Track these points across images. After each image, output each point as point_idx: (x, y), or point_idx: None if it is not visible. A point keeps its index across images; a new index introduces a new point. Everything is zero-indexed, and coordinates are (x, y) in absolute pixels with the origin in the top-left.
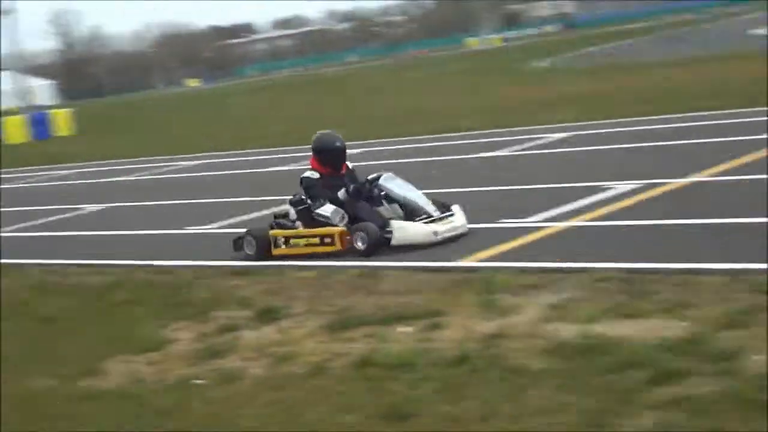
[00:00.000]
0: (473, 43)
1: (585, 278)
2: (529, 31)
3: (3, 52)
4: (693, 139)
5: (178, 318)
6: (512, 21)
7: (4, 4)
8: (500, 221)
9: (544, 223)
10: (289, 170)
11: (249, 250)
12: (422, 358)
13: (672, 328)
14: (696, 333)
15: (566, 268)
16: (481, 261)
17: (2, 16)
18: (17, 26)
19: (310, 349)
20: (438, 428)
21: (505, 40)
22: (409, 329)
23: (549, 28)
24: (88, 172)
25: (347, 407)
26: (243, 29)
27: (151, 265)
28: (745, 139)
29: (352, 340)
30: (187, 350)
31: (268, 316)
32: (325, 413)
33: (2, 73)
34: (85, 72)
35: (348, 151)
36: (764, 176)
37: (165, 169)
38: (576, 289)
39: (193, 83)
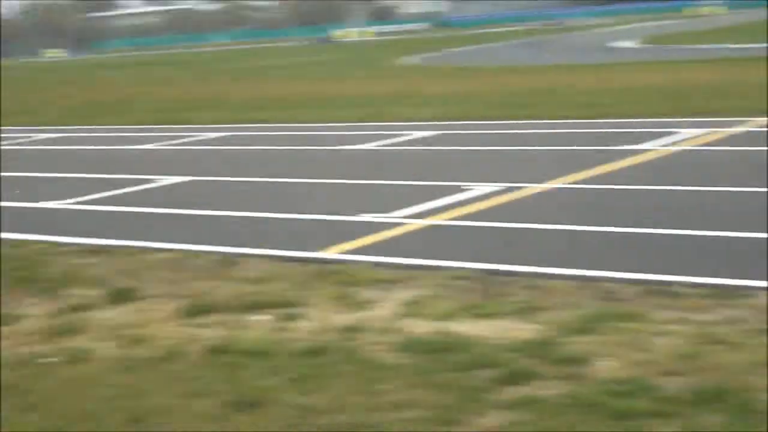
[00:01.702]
0: (342, 35)
1: (442, 276)
2: (396, 27)
3: None
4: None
5: (29, 294)
6: (383, 16)
7: None
8: (361, 215)
9: (404, 219)
10: (147, 149)
11: None
12: (277, 347)
13: (523, 330)
14: (546, 336)
15: (424, 265)
16: (341, 254)
17: None
18: None
19: (164, 333)
20: (288, 418)
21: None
22: (265, 318)
23: (418, 26)
24: None
25: (198, 393)
26: (110, 4)
27: (1, 238)
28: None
29: (208, 326)
30: (37, 327)
31: (122, 296)
32: (174, 398)
33: None
34: None
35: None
36: (613, 186)
37: (20, 140)
38: (432, 287)
39: (52, 54)
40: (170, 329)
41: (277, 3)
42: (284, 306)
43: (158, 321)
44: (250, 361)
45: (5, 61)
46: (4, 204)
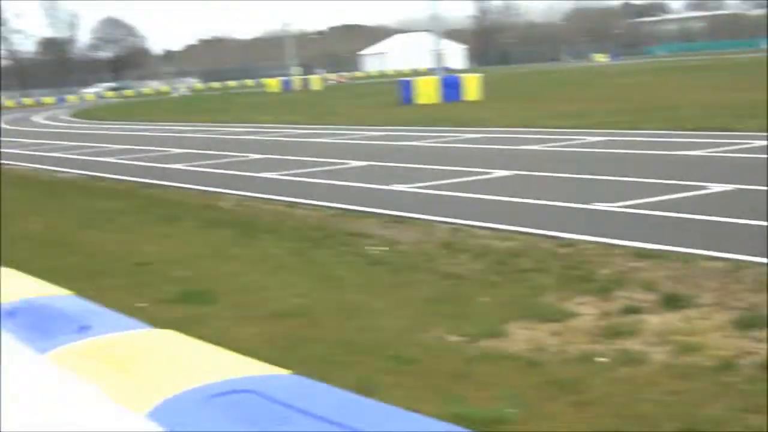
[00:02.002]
0: None
1: None
2: None
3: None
4: None
5: (580, 292)
6: None
7: None
8: None
9: None
10: (700, 155)
11: None
12: None
13: None
14: None
15: None
16: None
17: None
18: None
19: (717, 343)
20: None
21: None
22: None
23: None
24: (494, 137)
25: (753, 408)
26: (656, 8)
27: (555, 237)
28: None
29: (762, 340)
30: (590, 326)
31: (672, 302)
32: (727, 411)
33: (421, 34)
34: (495, 40)
35: None
36: None
37: (571, 142)
38: None
39: (600, 58)
40: (722, 340)
41: None
42: None
43: (709, 330)
44: None
45: (553, 65)
46: (556, 203)
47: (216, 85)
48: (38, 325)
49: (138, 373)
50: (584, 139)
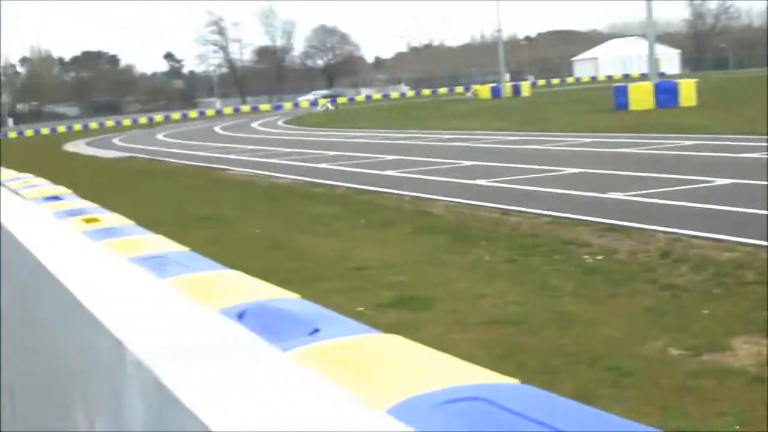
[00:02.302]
0: None
1: None
2: None
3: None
4: None
5: None
6: None
7: None
8: None
9: None
10: None
11: None
12: None
13: None
14: None
15: None
16: None
17: None
18: None
19: None
20: None
21: None
22: None
23: None
24: (713, 144)
25: None
26: None
27: None
28: None
29: None
30: None
31: None
32: None
33: (634, 39)
34: (711, 43)
35: None
36: None
37: None
38: None
39: None
40: None
41: None
42: None
43: None
44: None
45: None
46: None
47: (426, 92)
48: (269, 327)
49: (368, 376)
50: None
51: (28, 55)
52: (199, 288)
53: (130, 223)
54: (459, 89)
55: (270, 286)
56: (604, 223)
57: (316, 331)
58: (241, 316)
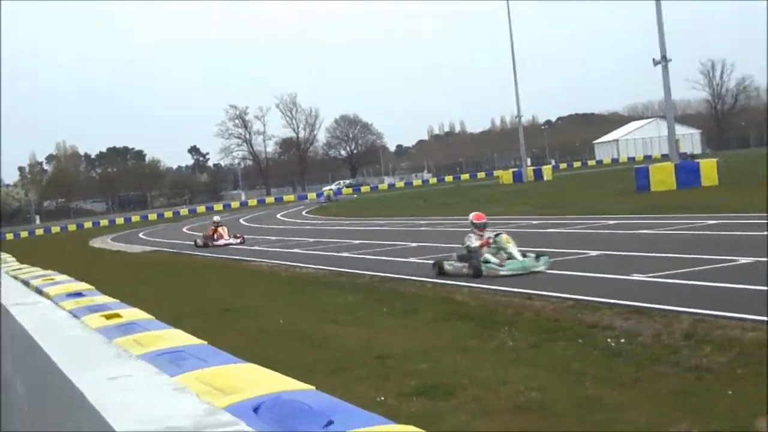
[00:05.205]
0: None
1: None
2: None
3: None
4: None
5: None
6: None
7: None
8: None
9: None
10: None
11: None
12: None
13: None
14: None
15: None
16: None
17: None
18: (669, 75)
19: None
20: None
21: None
22: None
23: None
24: (735, 224)
25: None
26: None
27: None
28: None
29: None
30: None
31: None
32: None
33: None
34: (732, 122)
35: None
36: None
37: None
38: None
39: None
40: None
41: None
42: None
43: None
44: None
45: None
46: None
47: (449, 178)
48: (284, 420)
49: None
50: None
51: (54, 152)
52: (215, 382)
53: (150, 317)
54: (481, 174)
55: (286, 378)
56: (627, 305)
57: (331, 423)
58: (256, 409)
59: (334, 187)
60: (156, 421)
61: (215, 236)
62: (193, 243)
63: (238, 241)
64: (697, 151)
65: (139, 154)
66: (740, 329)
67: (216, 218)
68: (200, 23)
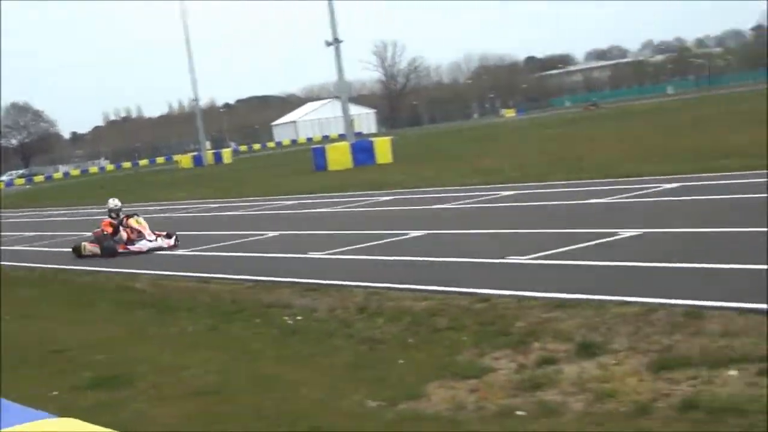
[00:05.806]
0: None
1: None
2: None
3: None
4: None
5: (497, 347)
6: None
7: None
8: None
9: None
10: (604, 203)
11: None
12: (753, 404)
13: None
14: None
15: None
16: None
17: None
18: (342, 56)
19: (633, 388)
20: None
21: None
22: (736, 373)
23: None
24: (407, 198)
25: None
26: (559, 60)
27: (470, 293)
28: None
29: (677, 381)
30: (507, 380)
31: (588, 350)
32: None
33: (331, 101)
34: (404, 102)
35: None
36: None
37: (483, 198)
38: None
39: (509, 113)
40: (638, 384)
41: (720, 50)
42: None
43: (626, 375)
44: (723, 418)
45: (463, 124)
46: (473, 260)
47: (127, 164)
48: None
49: None
50: (498, 194)
51: None
52: None
53: None
54: (160, 159)
55: None
56: (302, 283)
57: None
58: None
59: (5, 178)
60: None
61: None
62: None
63: None
64: (373, 130)
65: None
66: (411, 300)
67: None
68: None
